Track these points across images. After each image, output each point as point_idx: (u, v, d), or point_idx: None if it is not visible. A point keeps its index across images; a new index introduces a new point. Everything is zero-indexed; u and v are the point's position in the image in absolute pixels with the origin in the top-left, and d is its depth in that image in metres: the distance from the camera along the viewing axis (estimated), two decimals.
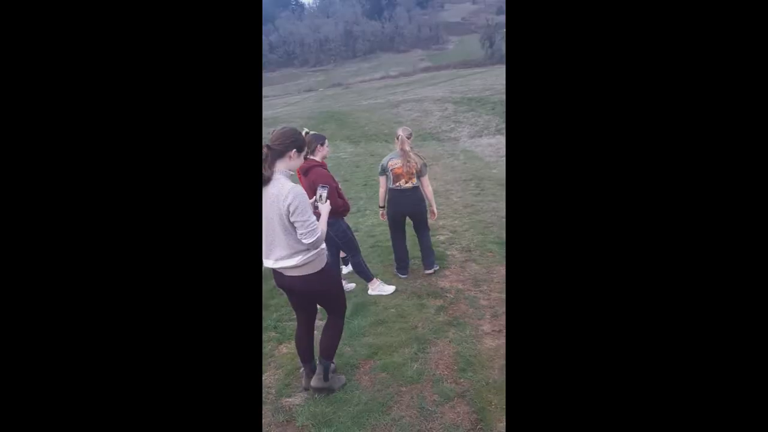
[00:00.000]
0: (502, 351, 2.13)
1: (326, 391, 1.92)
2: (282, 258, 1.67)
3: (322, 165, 2.56)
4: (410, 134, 2.92)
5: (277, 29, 47.71)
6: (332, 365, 1.96)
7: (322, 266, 1.77)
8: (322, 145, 2.59)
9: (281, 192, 1.58)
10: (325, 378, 1.91)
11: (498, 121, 10.10)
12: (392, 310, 2.68)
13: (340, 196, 2.62)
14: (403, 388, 1.94)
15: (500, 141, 8.64)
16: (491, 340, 2.24)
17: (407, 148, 2.86)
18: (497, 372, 1.97)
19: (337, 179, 2.57)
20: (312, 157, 2.54)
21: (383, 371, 2.07)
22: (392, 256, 3.52)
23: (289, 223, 1.61)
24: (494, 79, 17.19)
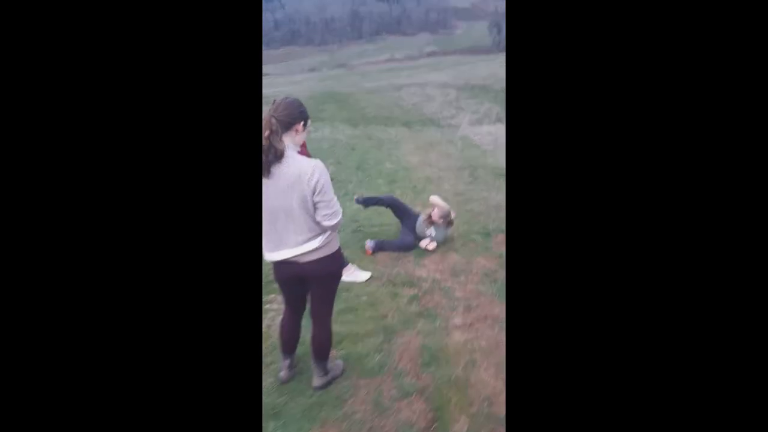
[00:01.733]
0: (470, 346, 2.03)
1: (330, 383, 1.82)
2: (303, 242, 1.49)
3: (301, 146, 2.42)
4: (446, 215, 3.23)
5: (283, 6, 46.81)
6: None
7: (338, 246, 1.63)
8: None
9: (303, 169, 1.41)
10: (325, 372, 1.80)
11: (499, 109, 9.90)
12: (364, 297, 2.58)
13: None
14: (362, 381, 1.85)
15: (500, 130, 8.46)
16: (460, 334, 2.14)
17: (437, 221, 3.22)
18: (461, 368, 1.88)
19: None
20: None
21: (344, 362, 1.97)
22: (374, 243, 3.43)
23: (312, 204, 1.45)
24: (499, 68, 16.87)
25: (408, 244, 3.24)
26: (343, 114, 11.08)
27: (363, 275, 2.82)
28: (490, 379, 1.80)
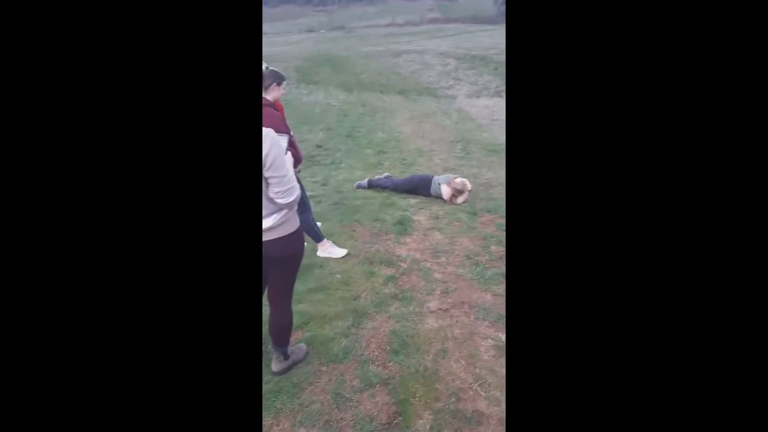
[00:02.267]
0: (443, 334, 1.92)
1: (290, 368, 1.71)
2: None
3: (275, 106, 2.21)
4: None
5: None
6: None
7: (298, 226, 1.48)
8: (278, 84, 2.23)
9: None
10: (285, 357, 1.68)
11: (498, 82, 9.58)
12: (338, 276, 2.44)
13: (293, 144, 2.30)
14: (324, 368, 1.73)
15: (497, 103, 8.22)
16: (434, 320, 2.02)
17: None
18: (431, 358, 1.76)
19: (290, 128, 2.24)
20: (265, 96, 2.20)
21: (308, 345, 1.85)
22: (356, 216, 3.28)
23: (264, 179, 1.29)
24: (501, 39, 16.27)
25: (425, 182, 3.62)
26: (339, 78, 10.68)
27: (339, 252, 2.68)
28: (460, 372, 1.70)
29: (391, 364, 1.75)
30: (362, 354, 1.80)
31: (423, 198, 3.65)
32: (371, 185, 3.91)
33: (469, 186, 3.57)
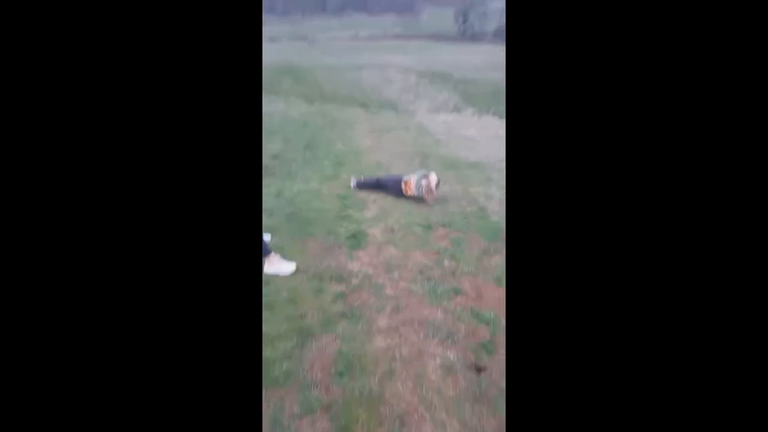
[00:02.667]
0: (390, 354, 1.86)
1: None
2: None
3: None
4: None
5: None
6: None
7: None
8: None
9: None
10: None
11: (458, 99, 9.82)
12: (284, 293, 2.33)
13: None
14: (263, 393, 1.62)
15: (456, 119, 8.40)
16: (383, 339, 1.96)
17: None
18: (377, 380, 1.70)
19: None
20: None
21: None
22: (309, 229, 3.18)
23: None
24: (462, 57, 16.81)
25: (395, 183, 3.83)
26: (300, 89, 10.57)
27: (287, 267, 2.57)
28: (406, 394, 1.64)
29: (334, 387, 1.66)
30: (305, 377, 1.71)
31: (379, 211, 3.61)
32: (360, 186, 4.10)
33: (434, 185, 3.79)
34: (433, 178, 3.75)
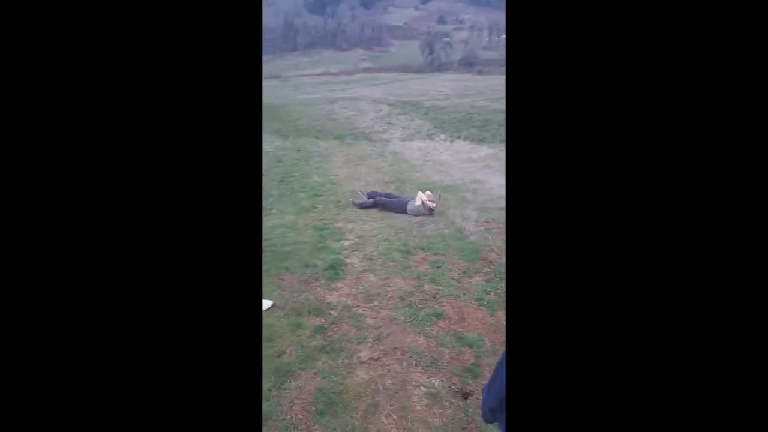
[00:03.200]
0: (374, 386, 1.78)
1: None
2: None
3: None
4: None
5: None
6: None
7: None
8: None
9: None
10: None
11: (429, 126, 10.06)
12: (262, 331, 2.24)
13: None
14: None
15: (429, 145, 8.57)
16: (365, 371, 1.88)
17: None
18: (360, 416, 1.61)
19: None
20: None
21: None
22: (285, 263, 3.11)
23: None
24: (431, 86, 17.38)
25: (402, 204, 4.35)
26: (275, 125, 10.64)
27: (263, 303, 2.49)
28: (391, 427, 1.56)
29: (316, 427, 1.57)
30: (284, 418, 1.61)
31: (357, 239, 3.58)
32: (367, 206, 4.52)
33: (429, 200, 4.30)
34: (429, 194, 4.35)
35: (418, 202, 4.22)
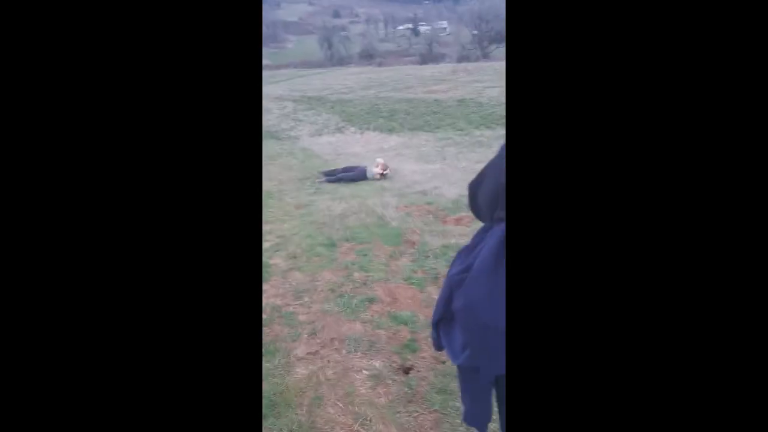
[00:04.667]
0: (315, 380, 1.75)
1: None
2: None
3: None
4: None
5: None
6: None
7: None
8: None
9: None
10: None
11: (338, 119, 10.03)
12: None
13: None
14: None
15: (340, 139, 8.55)
16: (304, 367, 1.84)
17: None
18: (305, 411, 1.57)
19: None
20: None
21: None
22: None
23: None
24: (333, 80, 17.30)
25: (361, 173, 5.12)
26: None
27: None
28: (339, 416, 1.55)
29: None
30: None
31: (278, 239, 3.46)
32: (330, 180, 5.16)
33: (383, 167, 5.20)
34: (379, 161, 5.25)
35: (377, 169, 5.05)
